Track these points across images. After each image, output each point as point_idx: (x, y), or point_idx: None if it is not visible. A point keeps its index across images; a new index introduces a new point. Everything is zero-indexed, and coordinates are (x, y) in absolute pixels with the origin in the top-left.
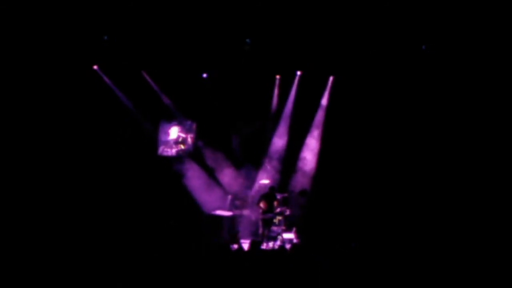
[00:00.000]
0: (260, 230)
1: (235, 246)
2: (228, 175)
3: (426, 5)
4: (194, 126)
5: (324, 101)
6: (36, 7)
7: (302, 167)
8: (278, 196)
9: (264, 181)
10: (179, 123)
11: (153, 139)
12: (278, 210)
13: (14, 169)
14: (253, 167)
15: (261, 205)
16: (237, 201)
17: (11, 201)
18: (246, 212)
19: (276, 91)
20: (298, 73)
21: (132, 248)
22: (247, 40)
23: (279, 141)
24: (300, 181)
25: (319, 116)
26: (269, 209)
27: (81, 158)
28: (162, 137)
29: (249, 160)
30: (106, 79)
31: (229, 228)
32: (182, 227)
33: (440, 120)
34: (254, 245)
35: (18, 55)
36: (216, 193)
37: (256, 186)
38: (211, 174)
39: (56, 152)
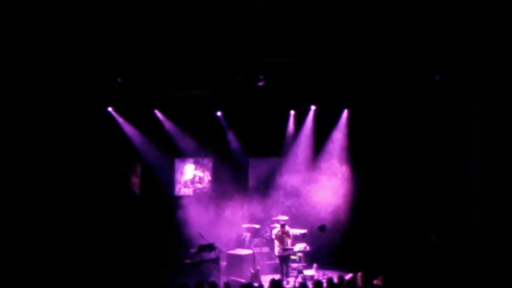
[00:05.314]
0: (280, 268)
1: (256, 284)
2: (245, 213)
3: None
4: (210, 163)
5: (338, 134)
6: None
7: (318, 201)
8: (297, 233)
9: (282, 217)
10: (195, 161)
11: (169, 179)
12: (291, 246)
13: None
14: (269, 204)
15: (277, 242)
16: (256, 239)
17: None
18: (265, 249)
19: (290, 126)
20: (312, 107)
21: None
22: (261, 76)
23: (295, 176)
24: (317, 216)
25: (333, 149)
26: (284, 246)
27: (100, 200)
28: (177, 177)
29: (265, 196)
30: (120, 120)
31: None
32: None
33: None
34: (274, 284)
35: (34, 99)
36: (233, 231)
37: (274, 223)
38: (227, 212)
39: (72, 194)
